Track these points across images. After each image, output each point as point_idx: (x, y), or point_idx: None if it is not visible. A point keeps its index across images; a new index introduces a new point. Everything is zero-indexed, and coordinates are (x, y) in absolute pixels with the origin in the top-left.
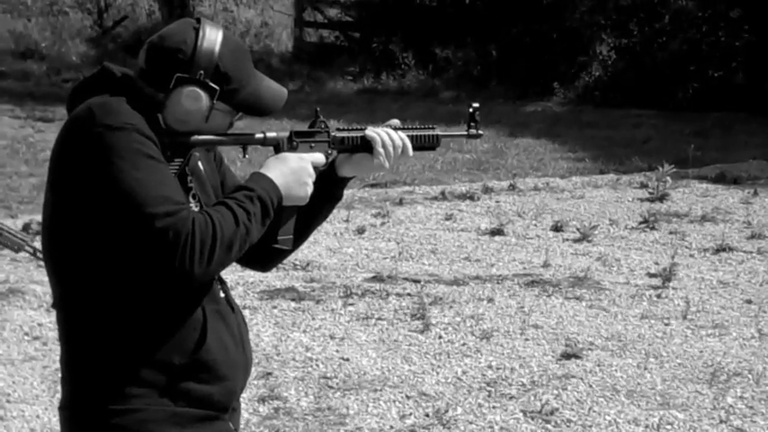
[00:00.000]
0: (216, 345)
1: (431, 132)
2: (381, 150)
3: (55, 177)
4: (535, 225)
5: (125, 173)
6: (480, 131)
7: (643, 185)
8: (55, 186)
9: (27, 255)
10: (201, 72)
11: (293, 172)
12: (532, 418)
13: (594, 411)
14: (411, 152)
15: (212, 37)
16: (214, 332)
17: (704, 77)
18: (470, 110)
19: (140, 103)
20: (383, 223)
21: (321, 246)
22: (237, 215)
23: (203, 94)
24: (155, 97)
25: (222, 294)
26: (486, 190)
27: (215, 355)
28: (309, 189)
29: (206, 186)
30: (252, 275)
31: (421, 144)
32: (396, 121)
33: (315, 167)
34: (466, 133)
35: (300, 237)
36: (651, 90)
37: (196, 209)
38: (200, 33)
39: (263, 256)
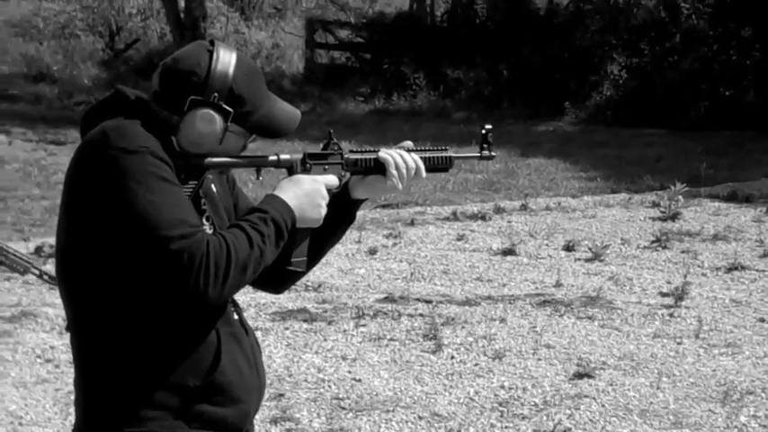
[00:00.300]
0: (230, 367)
1: (444, 154)
2: (395, 172)
3: (69, 200)
4: (547, 245)
5: (140, 196)
6: (493, 153)
7: (655, 204)
8: (69, 209)
9: (36, 277)
10: (216, 94)
11: (307, 194)
12: None
13: (607, 431)
14: (424, 174)
15: (226, 59)
16: (228, 354)
17: (715, 96)
18: (483, 131)
19: (154, 125)
20: (395, 244)
21: (333, 267)
22: (252, 237)
23: (217, 117)
24: (169, 120)
25: (236, 316)
26: (498, 210)
27: (229, 377)
28: (323, 211)
29: (219, 209)
30: (264, 297)
31: (434, 165)
32: (409, 143)
33: (328, 190)
34: (479, 154)
35: (313, 259)
36: (662, 109)
37: (210, 231)
38: (215, 56)
39: (277, 279)
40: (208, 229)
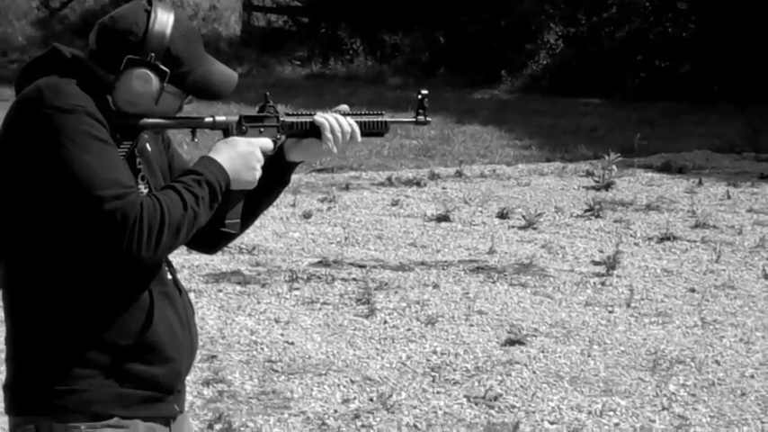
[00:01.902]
0: (162, 326)
1: (379, 119)
2: (330, 136)
3: (2, 158)
4: (481, 212)
5: (74, 155)
6: (428, 118)
7: (589, 174)
8: (2, 167)
9: None
10: (152, 54)
11: (242, 156)
12: (476, 404)
13: (538, 397)
14: (359, 138)
15: (164, 19)
16: (161, 314)
17: (651, 67)
18: (419, 96)
19: (90, 84)
20: (329, 208)
21: (267, 230)
22: (185, 199)
23: (153, 77)
24: (105, 79)
25: (170, 276)
26: (433, 176)
27: (161, 336)
28: (258, 173)
29: (154, 169)
30: (198, 258)
31: (369, 130)
32: (344, 107)
33: (263, 152)
34: (414, 120)
35: (247, 220)
36: (598, 79)
37: (145, 191)
38: (152, 15)
39: (210, 240)
40: (143, 188)
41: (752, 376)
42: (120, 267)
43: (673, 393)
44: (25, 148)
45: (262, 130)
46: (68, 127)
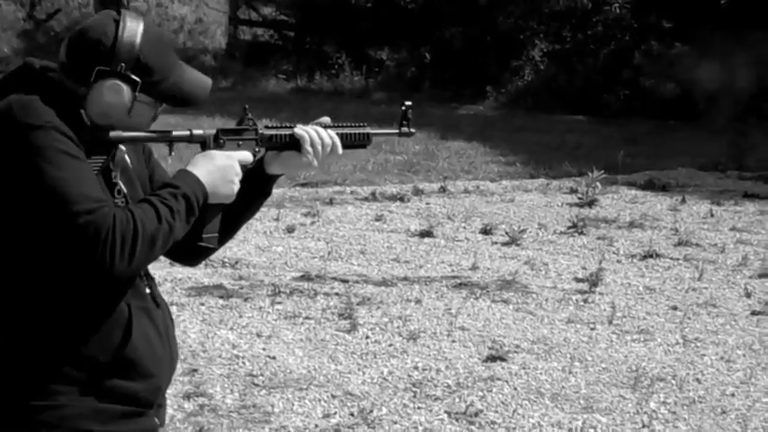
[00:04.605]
0: (141, 342)
1: (361, 131)
2: (309, 149)
3: None
4: (464, 228)
5: (46, 172)
6: (412, 130)
7: (572, 190)
8: None
9: None
10: (122, 64)
11: (219, 170)
12: (457, 420)
13: (519, 414)
14: (341, 150)
15: (133, 28)
16: (139, 329)
17: (635, 85)
18: (403, 108)
19: (61, 98)
20: (313, 223)
21: (250, 244)
22: (160, 212)
23: (125, 87)
24: (76, 91)
25: (148, 290)
26: (417, 192)
27: (140, 352)
28: (235, 187)
29: (133, 181)
30: (180, 272)
31: (351, 142)
32: (326, 119)
33: (242, 165)
34: (398, 131)
35: (228, 233)
36: (582, 96)
37: (122, 204)
38: (121, 25)
39: (189, 253)
40: (119, 202)
41: (732, 394)
42: (96, 282)
43: (653, 411)
44: None
45: (240, 143)
46: (39, 143)
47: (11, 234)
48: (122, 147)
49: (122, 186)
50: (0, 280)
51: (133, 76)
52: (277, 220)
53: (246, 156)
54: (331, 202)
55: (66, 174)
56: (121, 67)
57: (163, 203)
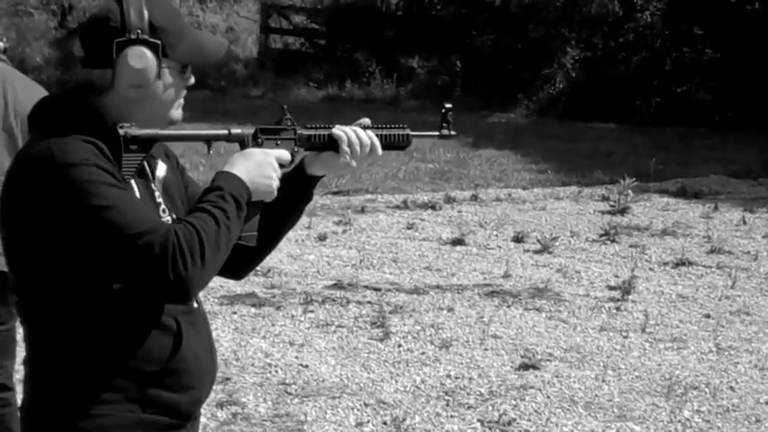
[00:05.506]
0: (189, 354)
1: (401, 132)
2: (347, 149)
3: (7, 215)
4: (496, 236)
5: (96, 204)
6: (453, 132)
7: (604, 198)
8: (10, 216)
9: None
10: (138, 31)
11: (258, 166)
12: (490, 428)
13: (552, 422)
14: (380, 151)
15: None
16: (187, 341)
17: (667, 92)
18: (443, 110)
19: (92, 118)
20: (345, 231)
21: (282, 252)
22: (216, 216)
23: (147, 51)
24: (102, 83)
25: (195, 304)
26: (449, 200)
27: (187, 364)
28: (275, 183)
29: (174, 198)
30: (213, 281)
31: (391, 143)
32: (366, 120)
33: (281, 164)
34: (438, 133)
35: (273, 239)
36: (614, 103)
37: (170, 222)
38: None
39: (234, 262)
40: (168, 219)
41: (767, 403)
42: (172, 299)
43: (687, 419)
44: (39, 204)
45: (278, 142)
46: (83, 179)
47: (57, 262)
48: (162, 163)
49: (165, 205)
50: (44, 297)
51: (152, 39)
52: (309, 228)
53: (284, 154)
54: (363, 211)
55: (117, 203)
56: (138, 34)
57: (215, 207)
